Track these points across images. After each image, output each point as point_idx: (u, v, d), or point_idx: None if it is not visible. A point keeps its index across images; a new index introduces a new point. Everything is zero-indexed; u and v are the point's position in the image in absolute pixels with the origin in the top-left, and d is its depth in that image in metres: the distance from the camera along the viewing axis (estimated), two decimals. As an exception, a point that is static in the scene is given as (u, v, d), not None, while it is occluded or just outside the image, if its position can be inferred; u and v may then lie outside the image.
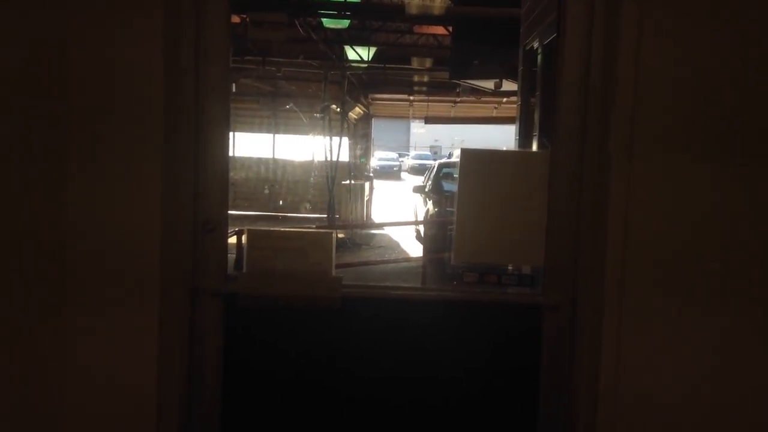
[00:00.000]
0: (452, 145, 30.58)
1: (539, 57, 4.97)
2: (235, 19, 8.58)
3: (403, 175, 27.74)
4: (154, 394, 2.24)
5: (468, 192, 2.46)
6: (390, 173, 26.14)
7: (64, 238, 2.17)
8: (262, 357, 2.51)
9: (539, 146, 4.68)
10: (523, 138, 5.91)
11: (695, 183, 2.13)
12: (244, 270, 2.47)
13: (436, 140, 34.83)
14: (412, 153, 32.95)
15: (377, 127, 22.11)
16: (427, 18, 8.55)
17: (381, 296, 2.51)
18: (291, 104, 11.60)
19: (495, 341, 2.49)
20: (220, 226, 2.44)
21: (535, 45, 5.36)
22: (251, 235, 2.51)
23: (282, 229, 2.54)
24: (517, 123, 6.04)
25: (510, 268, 2.93)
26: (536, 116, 5.04)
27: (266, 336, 2.51)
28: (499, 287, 2.51)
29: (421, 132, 34.35)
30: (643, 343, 2.16)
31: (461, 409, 2.51)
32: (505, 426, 2.50)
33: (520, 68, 5.99)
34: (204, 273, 2.44)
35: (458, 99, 15.98)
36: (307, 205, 15.30)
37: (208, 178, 2.42)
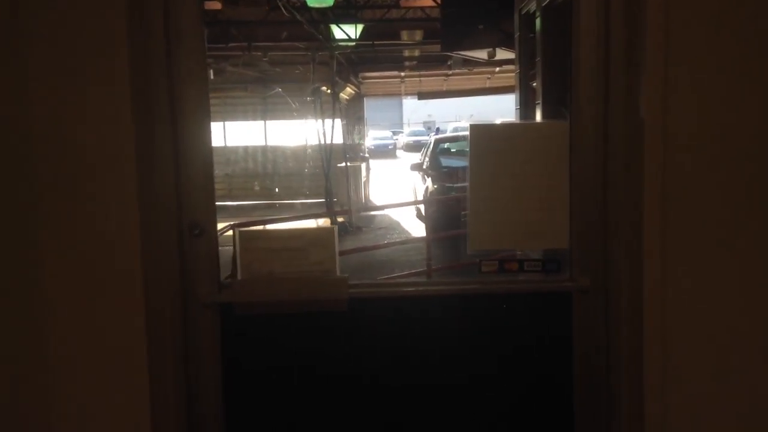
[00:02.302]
0: (443, 120, 30.28)
1: (538, 21, 4.69)
2: (217, 5, 8.22)
3: (399, 153, 27.43)
4: (147, 417, 2.01)
5: (480, 172, 2.21)
6: (385, 152, 25.83)
7: (38, 243, 1.93)
8: (265, 368, 2.28)
9: (546, 115, 4.42)
10: (524, 107, 5.65)
11: (741, 145, 1.88)
12: (239, 276, 2.23)
13: (430, 115, 34.47)
14: (407, 130, 32.60)
15: (369, 106, 21.77)
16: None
17: (393, 295, 2.27)
18: (278, 89, 11.28)
19: (522, 334, 2.26)
20: (208, 229, 2.19)
21: (532, 9, 5.08)
22: (243, 236, 2.26)
23: (277, 228, 2.31)
24: (517, 92, 5.77)
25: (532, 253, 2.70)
26: (538, 84, 4.78)
27: (269, 346, 2.28)
28: (521, 275, 2.26)
29: (414, 108, 33.99)
30: (693, 324, 1.93)
31: (490, 411, 2.28)
32: (540, 424, 2.28)
33: (517, 34, 5.70)
34: (194, 282, 2.20)
35: (450, 72, 15.64)
36: (306, 192, 15.06)
37: (191, 175, 2.17)
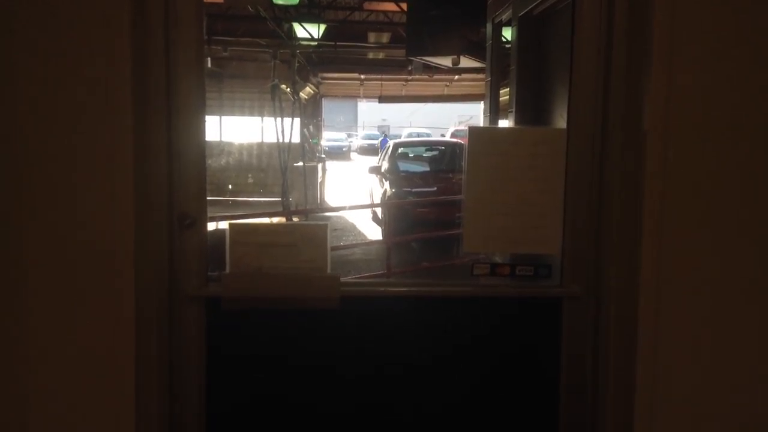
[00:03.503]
0: (397, 125, 30.43)
1: (514, 30, 4.74)
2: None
3: (353, 155, 27.40)
4: (131, 412, 1.93)
5: (476, 175, 2.21)
6: (339, 154, 25.76)
7: (25, 235, 1.84)
8: (251, 365, 2.23)
9: (519, 123, 4.47)
10: (493, 115, 5.71)
11: (743, 156, 1.92)
12: (227, 270, 2.18)
13: (384, 119, 34.53)
14: (361, 133, 32.60)
15: (325, 107, 21.67)
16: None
17: (385, 294, 2.24)
18: (276, 80, 11.12)
19: (510, 339, 2.27)
20: (198, 221, 2.13)
21: (506, 18, 5.14)
22: (233, 229, 2.20)
23: (269, 222, 2.26)
24: (487, 100, 5.82)
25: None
26: (511, 92, 4.83)
27: (256, 342, 2.22)
28: (513, 279, 2.27)
29: (369, 111, 34.02)
30: (685, 335, 1.96)
31: (477, 415, 2.28)
32: (525, 430, 2.29)
33: (489, 43, 5.76)
34: (182, 274, 2.14)
35: (409, 77, 15.71)
36: (260, 190, 14.82)
37: (183, 166, 2.11)
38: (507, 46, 5.23)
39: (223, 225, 2.27)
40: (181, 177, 2.11)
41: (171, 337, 2.14)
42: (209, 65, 13.25)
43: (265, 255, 2.19)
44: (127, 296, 1.89)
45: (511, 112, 4.76)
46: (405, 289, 2.27)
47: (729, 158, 1.91)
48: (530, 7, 4.33)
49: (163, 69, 2.04)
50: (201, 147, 2.14)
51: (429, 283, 2.32)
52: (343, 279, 2.20)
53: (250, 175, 15.43)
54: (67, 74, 1.82)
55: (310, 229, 2.24)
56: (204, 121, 2.15)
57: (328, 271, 2.20)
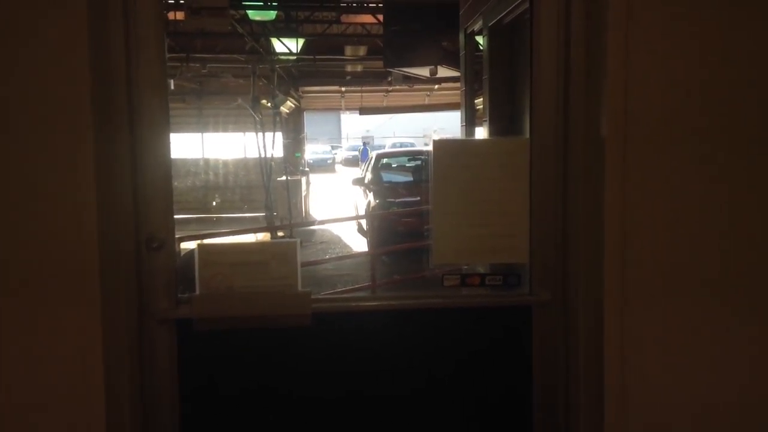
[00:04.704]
0: (381, 135, 30.50)
1: (485, 39, 4.78)
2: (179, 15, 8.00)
3: (338, 167, 27.44)
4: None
5: (443, 187, 2.23)
6: (324, 166, 25.81)
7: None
8: (225, 387, 2.22)
9: (493, 132, 4.50)
10: (469, 125, 5.74)
11: (701, 162, 1.96)
12: (197, 291, 2.17)
13: (368, 130, 34.59)
14: (345, 145, 32.67)
15: (308, 120, 21.70)
16: (362, 7, 8.28)
17: (356, 309, 2.25)
18: (240, 100, 11.08)
19: (482, 347, 2.28)
20: (166, 243, 2.13)
21: (478, 28, 5.18)
22: (202, 250, 2.20)
23: (238, 242, 2.26)
24: (462, 109, 5.86)
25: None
26: (485, 101, 4.87)
27: (230, 363, 2.22)
28: (483, 289, 2.29)
29: (352, 123, 34.10)
30: (651, 337, 1.98)
31: (450, 423, 2.29)
32: None
33: (462, 53, 5.80)
34: (151, 297, 2.13)
35: (390, 88, 15.78)
36: (245, 206, 14.79)
37: (149, 187, 2.11)
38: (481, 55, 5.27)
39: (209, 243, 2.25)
40: (147, 199, 2.10)
41: (142, 360, 2.13)
42: (173, 86, 13.23)
43: (236, 274, 2.19)
44: (94, 321, 1.88)
45: (486, 121, 4.79)
46: (376, 303, 2.28)
47: (688, 161, 1.94)
48: (500, 16, 4.38)
49: (124, 88, 2.04)
50: (167, 167, 2.14)
51: (400, 296, 2.33)
52: (315, 296, 2.20)
53: (216, 195, 15.39)
54: (24, 94, 1.81)
55: (279, 246, 2.24)
56: (169, 141, 2.15)
57: (299, 287, 2.20)
